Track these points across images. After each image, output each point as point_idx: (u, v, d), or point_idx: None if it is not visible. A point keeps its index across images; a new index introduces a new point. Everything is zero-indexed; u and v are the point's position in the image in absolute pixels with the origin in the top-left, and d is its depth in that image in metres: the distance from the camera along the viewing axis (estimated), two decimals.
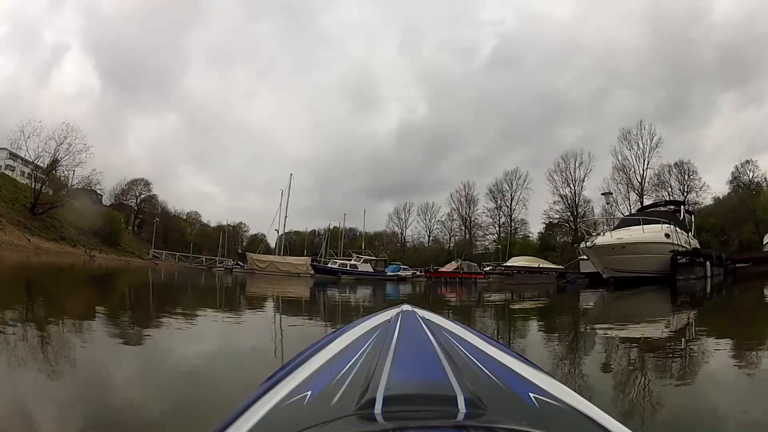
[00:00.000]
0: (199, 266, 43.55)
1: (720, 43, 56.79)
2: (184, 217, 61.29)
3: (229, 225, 57.81)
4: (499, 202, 54.75)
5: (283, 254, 42.91)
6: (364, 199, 79.58)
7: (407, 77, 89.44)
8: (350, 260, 40.33)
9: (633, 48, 64.48)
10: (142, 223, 55.98)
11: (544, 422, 0.54)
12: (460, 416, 0.50)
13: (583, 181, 49.25)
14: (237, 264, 44.50)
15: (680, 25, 60.37)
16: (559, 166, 49.82)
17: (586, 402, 0.61)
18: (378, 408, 0.52)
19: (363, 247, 45.20)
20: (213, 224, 61.10)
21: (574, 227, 47.04)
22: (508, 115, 70.41)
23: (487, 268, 40.34)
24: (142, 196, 56.02)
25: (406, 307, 1.08)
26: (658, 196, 43.34)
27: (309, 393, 0.61)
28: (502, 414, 0.53)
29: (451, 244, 55.20)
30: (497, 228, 54.99)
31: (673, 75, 58.52)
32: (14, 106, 56.39)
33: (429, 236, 58.31)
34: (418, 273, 40.96)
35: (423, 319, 0.97)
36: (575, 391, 0.66)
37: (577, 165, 49.25)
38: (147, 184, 56.21)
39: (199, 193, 72.21)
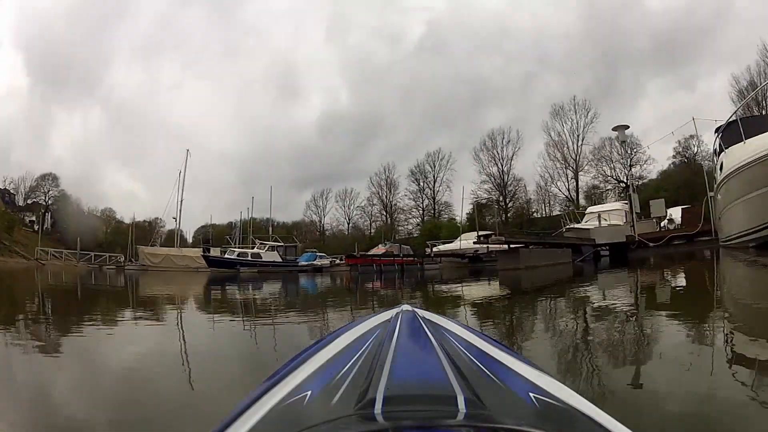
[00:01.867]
0: (89, 265, 37.77)
1: (651, 27, 55.67)
2: (98, 215, 55.49)
3: (144, 221, 50.22)
4: (421, 184, 52.41)
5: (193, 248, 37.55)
6: (289, 191, 75.64)
7: (333, 65, 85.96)
8: (252, 248, 35.13)
9: (564, 33, 64.82)
10: (55, 223, 52.35)
11: (544, 422, 0.55)
12: (460, 416, 0.50)
13: (511, 159, 47.49)
14: (131, 260, 38.46)
15: (613, 9, 59.87)
16: (485, 144, 47.97)
17: (586, 402, 0.61)
18: (378, 408, 0.52)
19: (271, 234, 39.57)
20: (128, 221, 54.52)
21: (504, 207, 46.40)
22: (434, 100, 68.42)
23: (442, 247, 32.67)
24: (51, 193, 52.67)
25: (406, 307, 1.09)
26: (598, 170, 43.33)
27: (309, 393, 0.61)
28: (502, 414, 0.53)
29: (372, 231, 52.87)
30: (421, 211, 52.78)
31: (604, 59, 57.97)
32: None
33: (348, 223, 55.60)
34: (338, 261, 35.08)
35: (423, 319, 0.97)
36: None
37: (504, 143, 47.52)
38: (55, 179, 52.73)
39: (121, 191, 66.83)
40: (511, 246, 18.17)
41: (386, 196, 53.74)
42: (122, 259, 39.57)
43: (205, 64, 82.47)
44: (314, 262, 34.70)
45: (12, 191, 52.46)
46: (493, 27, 70.21)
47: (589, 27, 60.96)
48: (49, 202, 52.72)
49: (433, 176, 51.79)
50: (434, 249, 32.47)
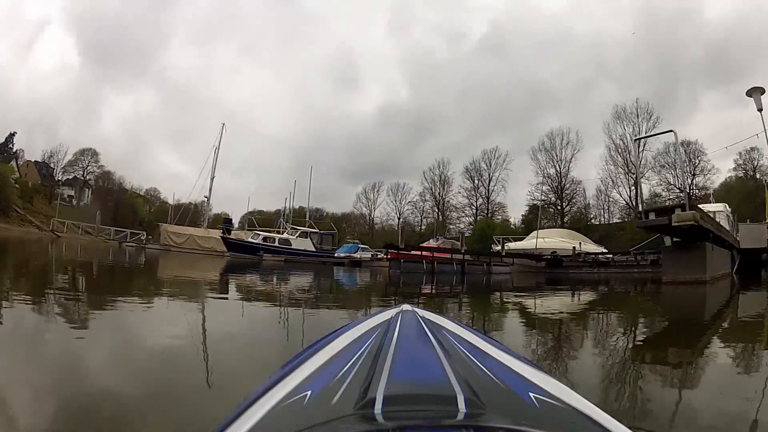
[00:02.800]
0: (107, 240, 36.31)
1: (709, 41, 56.46)
2: (141, 194, 55.64)
3: (191, 203, 45.58)
4: (476, 182, 50.25)
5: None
6: (340, 181, 76.10)
7: (392, 59, 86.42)
8: (281, 233, 31.77)
9: (621, 41, 63.33)
10: (96, 198, 52.56)
11: (544, 422, 0.54)
12: (460, 416, 0.50)
13: (569, 162, 45.40)
14: (149, 238, 36.88)
15: (671, 20, 58.87)
16: (543, 144, 46.38)
17: (586, 402, 0.61)
18: (378, 408, 0.52)
19: (307, 219, 36.54)
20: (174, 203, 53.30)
21: (561, 210, 44.52)
22: (491, 101, 68.48)
23: (514, 245, 26.83)
24: (89, 168, 53.08)
25: (406, 306, 1.08)
26: (660, 178, 40.65)
27: (309, 393, 0.61)
28: (502, 414, 0.53)
29: (423, 227, 50.95)
30: (474, 210, 50.44)
31: (660, 70, 56.93)
32: None
33: (399, 218, 53.04)
34: (380, 255, 29.08)
35: (423, 318, 0.97)
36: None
37: (563, 144, 45.66)
38: (95, 154, 53.00)
39: (170, 173, 67.86)
40: (688, 241, 10.38)
41: (439, 193, 52.21)
42: (144, 237, 37.76)
43: (263, 50, 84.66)
44: (353, 255, 30.77)
45: (51, 165, 53.24)
46: (552, 30, 69.65)
47: (646, 33, 60.41)
48: (87, 177, 53.55)
49: (489, 174, 50.00)
50: (506, 246, 26.46)
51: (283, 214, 39.74)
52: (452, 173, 51.70)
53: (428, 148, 67.97)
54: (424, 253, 21.94)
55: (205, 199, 37.27)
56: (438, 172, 52.00)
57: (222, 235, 30.63)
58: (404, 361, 0.67)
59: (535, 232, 27.77)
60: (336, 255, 31.43)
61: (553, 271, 19.76)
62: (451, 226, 49.70)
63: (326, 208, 54.34)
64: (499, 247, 26.76)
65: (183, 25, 79.97)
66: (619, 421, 0.56)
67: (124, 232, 38.52)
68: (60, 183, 53.62)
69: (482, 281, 15.25)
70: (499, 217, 49.43)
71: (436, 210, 52.09)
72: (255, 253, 27.66)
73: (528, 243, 26.11)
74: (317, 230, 33.90)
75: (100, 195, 51.32)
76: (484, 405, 0.53)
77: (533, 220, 33.12)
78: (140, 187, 56.53)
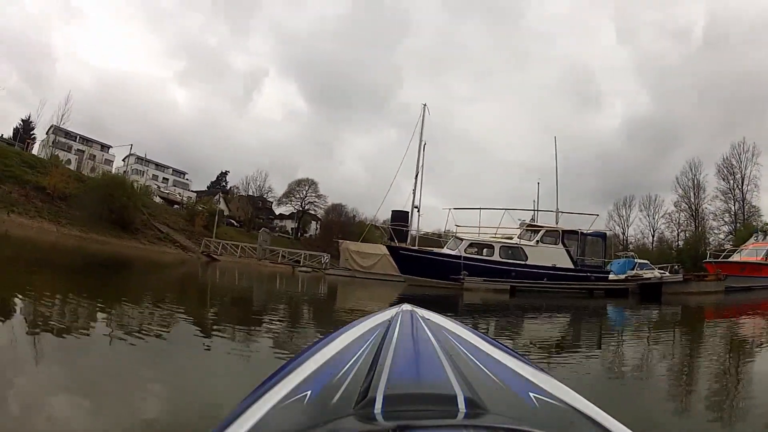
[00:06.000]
0: (275, 264, 29.97)
1: None
2: (378, 225, 51.81)
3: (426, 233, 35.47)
4: (730, 182, 42.16)
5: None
6: (588, 203, 68.78)
7: (628, 68, 76.57)
8: (498, 240, 18.70)
9: None
10: (314, 226, 53.73)
11: (544, 422, 0.55)
12: (460, 416, 0.50)
13: None
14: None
15: None
16: None
17: (586, 402, 0.61)
18: (378, 407, 0.52)
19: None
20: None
21: None
22: (724, 100, 59.61)
23: None
24: (308, 198, 52.40)
25: (406, 306, 1.08)
26: None
27: (309, 393, 0.61)
28: (502, 414, 0.53)
29: (680, 242, 43.33)
30: (732, 216, 42.12)
31: None
32: (210, 135, 64.47)
33: (653, 234, 46.08)
34: (675, 274, 19.45)
35: (423, 318, 0.97)
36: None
37: None
38: (313, 183, 52.34)
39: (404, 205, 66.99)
40: None
41: (693, 199, 44.72)
42: (326, 259, 30.18)
43: (494, 76, 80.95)
44: (637, 272, 19.43)
45: (269, 200, 54.61)
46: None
47: None
48: (306, 207, 52.86)
49: (741, 174, 41.68)
50: None
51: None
52: (705, 175, 44.31)
53: (675, 158, 61.97)
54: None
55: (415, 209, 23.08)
56: (690, 175, 45.02)
57: (390, 242, 19.73)
58: (404, 361, 0.67)
59: None
60: (611, 275, 18.91)
61: None
62: (711, 239, 42.00)
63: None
64: None
65: (412, 59, 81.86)
66: (619, 421, 0.56)
67: (297, 253, 32.13)
68: (281, 218, 55.62)
69: None
70: (756, 223, 39.15)
71: (693, 220, 45.18)
72: (449, 275, 16.50)
73: None
74: (577, 230, 18.61)
75: (326, 225, 49.66)
76: (484, 405, 0.53)
77: None
78: (377, 219, 53.16)
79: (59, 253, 15.67)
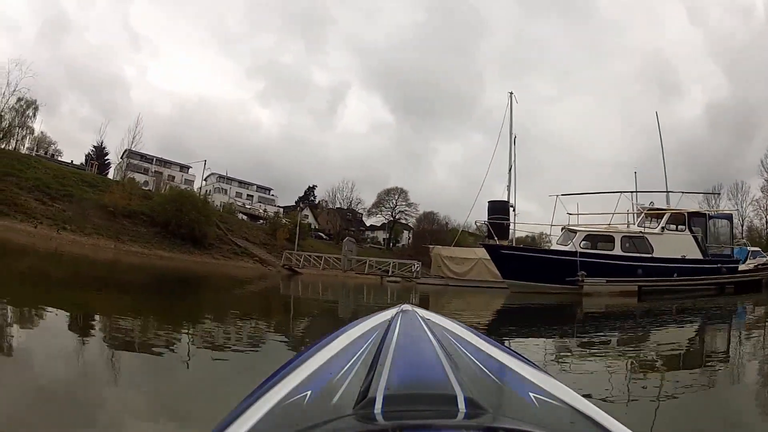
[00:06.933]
0: (359, 274, 28.78)
1: None
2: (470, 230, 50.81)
3: (527, 235, 32.49)
4: None
5: None
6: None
7: (703, 51, 77.30)
8: (618, 230, 15.60)
9: None
10: (406, 236, 53.31)
11: (544, 422, 0.54)
12: (460, 416, 0.50)
13: None
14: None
15: None
16: None
17: (586, 402, 0.60)
18: (378, 407, 0.52)
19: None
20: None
21: None
22: None
23: None
24: (398, 207, 52.59)
25: (406, 306, 1.07)
26: None
27: (309, 393, 0.61)
28: (502, 414, 0.53)
29: None
30: None
31: None
32: (296, 151, 67.97)
33: (742, 223, 41.10)
34: None
35: (423, 318, 0.96)
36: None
37: None
38: (402, 192, 52.64)
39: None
40: None
41: None
42: (417, 267, 28.31)
43: (575, 73, 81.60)
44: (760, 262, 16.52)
45: (359, 211, 55.31)
46: None
47: None
48: (397, 216, 52.85)
49: None
50: None
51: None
52: None
53: (758, 141, 56.76)
54: None
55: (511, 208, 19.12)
56: None
57: (486, 241, 16.88)
58: (404, 361, 0.67)
59: None
60: (740, 263, 15.58)
61: None
62: None
63: None
64: None
65: (491, 63, 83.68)
66: (619, 421, 0.55)
67: (386, 262, 30.86)
68: (370, 227, 55.92)
69: None
70: None
71: None
72: (564, 277, 13.77)
73: None
74: (705, 212, 16.16)
75: (418, 234, 48.69)
76: (484, 405, 0.52)
77: None
78: (469, 225, 51.93)
79: (122, 271, 14.93)
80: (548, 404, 0.58)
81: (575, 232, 15.26)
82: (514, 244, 16.98)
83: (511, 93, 22.02)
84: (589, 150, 74.65)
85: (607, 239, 15.02)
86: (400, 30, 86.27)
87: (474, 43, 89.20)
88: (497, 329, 6.32)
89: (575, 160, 67.81)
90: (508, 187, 19.94)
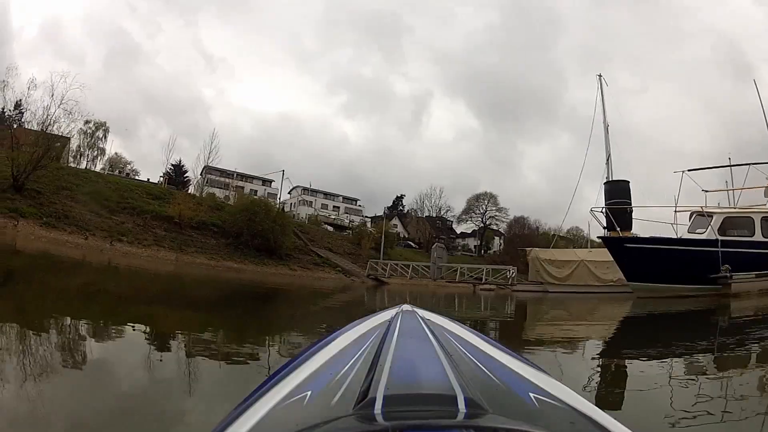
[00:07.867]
0: (450, 282, 26.90)
1: None
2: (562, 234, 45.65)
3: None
4: None
5: None
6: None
7: None
8: (758, 210, 12.47)
9: None
10: (497, 242, 51.96)
11: (544, 422, 0.55)
12: (460, 416, 0.50)
13: None
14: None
15: None
16: None
17: (586, 402, 0.61)
18: (378, 407, 0.52)
19: None
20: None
21: None
22: None
23: None
24: (488, 213, 50.83)
25: (406, 306, 1.07)
26: None
27: (309, 393, 0.61)
28: (502, 414, 0.53)
29: None
30: None
31: None
32: (382, 161, 68.29)
33: None
34: None
35: (423, 318, 0.97)
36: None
37: None
38: (492, 197, 50.86)
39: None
40: None
41: None
42: (512, 273, 26.21)
43: (652, 62, 77.49)
44: None
45: (449, 219, 54.40)
46: None
47: None
48: (487, 222, 51.27)
49: None
50: None
51: None
52: None
53: None
54: None
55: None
56: None
57: (606, 235, 13.86)
58: (404, 361, 0.67)
59: None
60: None
61: None
62: None
63: None
64: None
65: (570, 59, 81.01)
66: (619, 421, 0.55)
67: (479, 269, 28.95)
68: (460, 234, 55.08)
69: None
70: None
71: None
72: (705, 274, 11.17)
73: None
74: None
75: (510, 240, 46.21)
76: (484, 405, 0.52)
77: None
78: (560, 229, 47.85)
79: (189, 284, 13.63)
80: (548, 404, 0.58)
81: (711, 215, 12.28)
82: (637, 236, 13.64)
83: (600, 75, 20.43)
84: (676, 141, 68.96)
85: (745, 223, 12.19)
86: (476, 34, 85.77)
87: (550, 39, 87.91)
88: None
89: (664, 151, 61.38)
90: (608, 178, 17.90)
